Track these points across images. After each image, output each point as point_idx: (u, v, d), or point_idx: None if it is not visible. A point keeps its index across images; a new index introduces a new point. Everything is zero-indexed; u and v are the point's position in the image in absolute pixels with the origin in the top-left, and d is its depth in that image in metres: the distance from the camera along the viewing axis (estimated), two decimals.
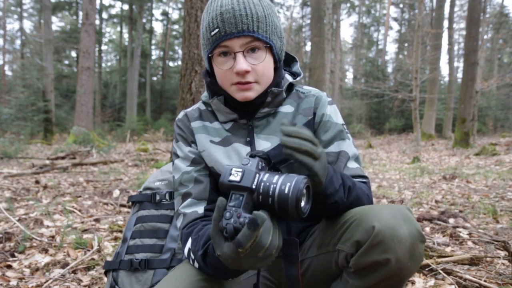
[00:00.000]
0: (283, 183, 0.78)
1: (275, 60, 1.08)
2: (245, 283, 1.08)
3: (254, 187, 0.78)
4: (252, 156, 0.84)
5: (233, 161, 1.08)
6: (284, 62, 1.18)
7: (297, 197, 0.76)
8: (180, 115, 1.19)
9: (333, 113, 1.12)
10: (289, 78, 1.13)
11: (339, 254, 0.92)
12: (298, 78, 1.17)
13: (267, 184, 0.78)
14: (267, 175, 0.81)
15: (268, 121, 1.11)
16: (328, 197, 0.89)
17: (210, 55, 1.03)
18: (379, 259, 0.82)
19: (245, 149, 1.08)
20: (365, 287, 0.87)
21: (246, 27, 0.97)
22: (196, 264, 0.94)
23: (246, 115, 1.11)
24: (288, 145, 0.83)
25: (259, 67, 1.01)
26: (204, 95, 1.19)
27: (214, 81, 1.09)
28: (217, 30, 0.98)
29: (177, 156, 1.14)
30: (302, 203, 0.78)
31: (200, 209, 1.04)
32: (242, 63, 0.98)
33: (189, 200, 1.06)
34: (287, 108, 1.12)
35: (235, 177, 0.79)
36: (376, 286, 0.86)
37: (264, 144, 1.08)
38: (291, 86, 1.18)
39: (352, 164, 1.06)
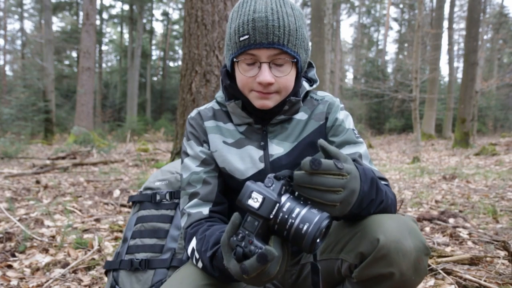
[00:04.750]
0: (302, 221, 0.74)
1: (297, 71, 1.07)
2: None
3: (271, 217, 0.75)
4: (277, 178, 0.79)
5: (246, 164, 1.07)
6: None
7: (314, 239, 0.73)
8: (193, 113, 1.18)
9: (345, 118, 1.12)
10: (306, 86, 1.14)
11: (342, 264, 0.91)
12: (314, 85, 1.16)
13: (286, 216, 0.75)
14: (288, 204, 0.76)
15: (282, 127, 1.12)
16: (352, 215, 0.87)
17: (235, 60, 1.02)
18: (383, 272, 0.81)
19: (258, 153, 1.08)
20: None
21: (277, 39, 0.95)
22: (200, 264, 0.93)
23: (261, 121, 1.11)
24: (300, 192, 0.77)
25: (282, 80, 1.01)
26: (219, 95, 1.18)
27: (234, 84, 1.08)
28: (246, 37, 0.96)
29: (187, 155, 1.13)
30: (318, 241, 0.75)
31: (205, 210, 1.04)
32: (266, 75, 0.97)
33: (195, 200, 1.06)
34: (301, 115, 1.13)
35: (254, 202, 0.75)
36: None
37: (277, 149, 1.09)
38: (306, 93, 1.17)
39: (369, 166, 1.04)
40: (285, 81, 1.02)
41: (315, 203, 0.76)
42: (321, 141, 0.79)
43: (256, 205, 0.75)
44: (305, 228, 0.73)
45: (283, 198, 0.77)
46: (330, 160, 0.75)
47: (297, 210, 0.75)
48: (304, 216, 0.74)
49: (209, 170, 1.10)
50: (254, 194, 0.75)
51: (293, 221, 0.74)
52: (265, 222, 0.76)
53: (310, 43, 1.10)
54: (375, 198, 0.86)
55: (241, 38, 0.97)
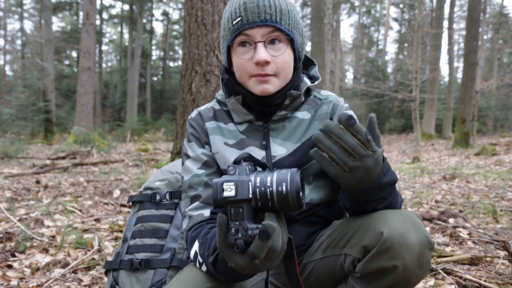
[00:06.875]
0: (278, 183, 0.77)
1: (295, 58, 1.06)
2: None
3: (251, 196, 0.77)
4: (236, 162, 0.82)
5: None
6: (302, 65, 1.16)
7: (296, 193, 0.76)
8: (194, 113, 1.16)
9: None
10: (307, 81, 1.12)
11: (346, 258, 0.91)
12: (316, 82, 1.15)
13: (262, 188, 0.77)
14: (258, 178, 0.79)
15: (284, 126, 1.09)
16: (360, 202, 0.90)
17: (230, 43, 1.02)
18: (387, 266, 0.82)
19: (260, 153, 1.07)
20: None
21: (269, 17, 0.97)
22: (204, 268, 0.93)
23: (263, 117, 1.09)
24: (318, 144, 0.80)
25: (279, 60, 1.00)
26: (219, 93, 1.17)
27: (232, 78, 1.07)
28: (239, 18, 0.98)
29: (188, 157, 1.11)
30: (301, 194, 0.78)
31: (206, 212, 1.03)
32: (262, 53, 0.97)
33: (197, 203, 1.05)
34: (303, 114, 1.11)
35: (229, 192, 0.77)
36: None
37: (279, 149, 1.07)
38: (308, 90, 1.16)
39: None
40: (282, 61, 1.00)
41: (327, 161, 0.80)
42: (372, 115, 0.81)
43: (232, 193, 0.77)
44: (284, 188, 0.76)
45: (252, 176, 0.80)
46: (364, 128, 0.78)
47: (269, 178, 0.78)
48: (278, 179, 0.78)
49: (210, 172, 1.08)
50: (225, 185, 0.77)
51: (271, 188, 0.77)
52: (248, 204, 0.78)
53: (305, 30, 1.10)
54: (388, 197, 0.89)
55: (234, 22, 0.99)
